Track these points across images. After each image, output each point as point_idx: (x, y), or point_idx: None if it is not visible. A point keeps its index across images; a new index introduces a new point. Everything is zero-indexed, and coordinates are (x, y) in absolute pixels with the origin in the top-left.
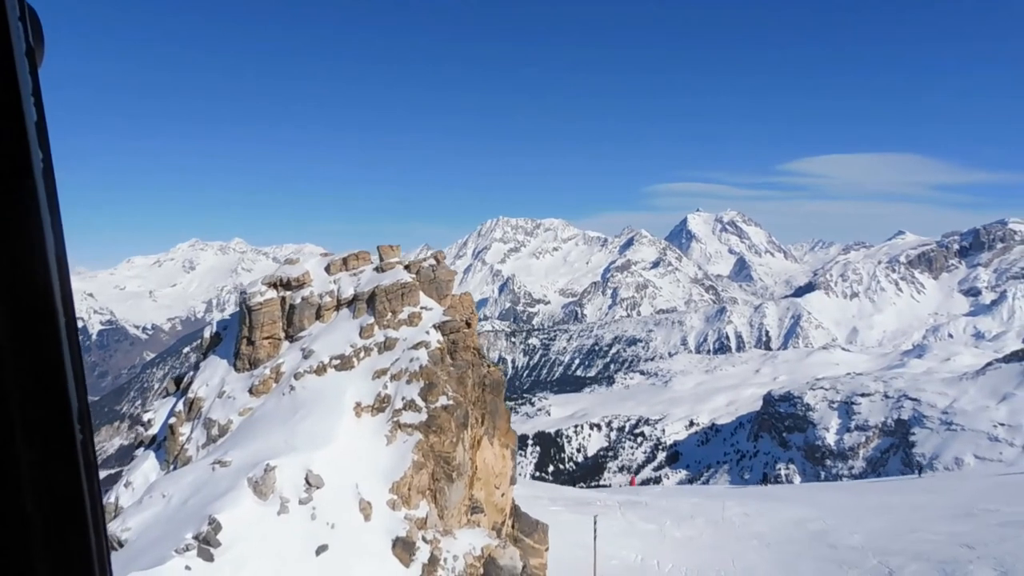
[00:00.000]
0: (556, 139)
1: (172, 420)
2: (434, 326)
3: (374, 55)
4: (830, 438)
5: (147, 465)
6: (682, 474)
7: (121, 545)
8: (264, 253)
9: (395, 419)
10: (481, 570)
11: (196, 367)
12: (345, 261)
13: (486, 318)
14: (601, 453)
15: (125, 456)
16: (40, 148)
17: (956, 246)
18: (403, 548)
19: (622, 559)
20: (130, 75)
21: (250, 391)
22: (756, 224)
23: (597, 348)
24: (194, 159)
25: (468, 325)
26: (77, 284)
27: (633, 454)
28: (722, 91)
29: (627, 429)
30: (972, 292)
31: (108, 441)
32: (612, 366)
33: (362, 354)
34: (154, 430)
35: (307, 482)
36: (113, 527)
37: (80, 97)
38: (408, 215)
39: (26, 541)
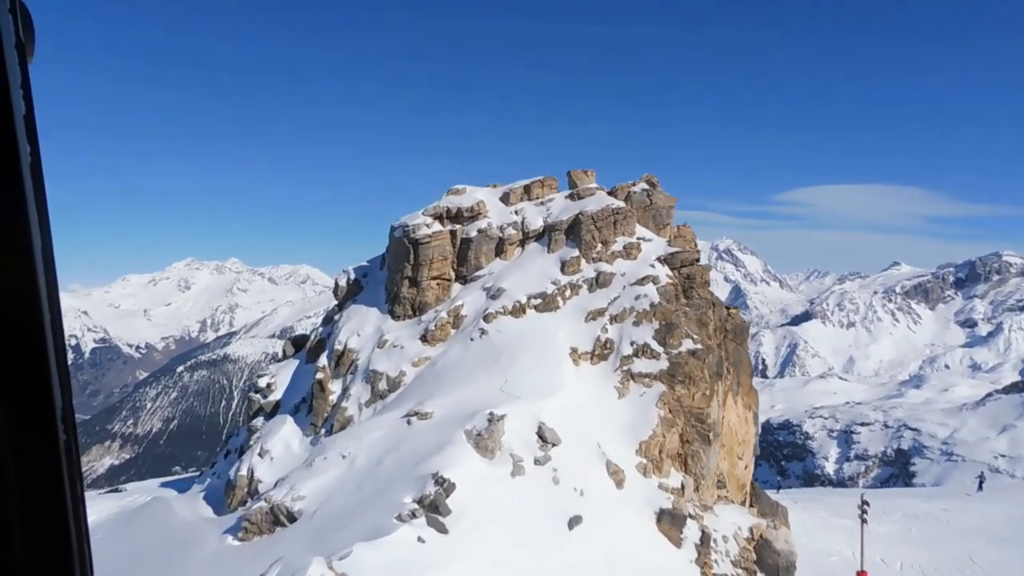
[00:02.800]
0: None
1: (319, 376)
2: (659, 259)
3: (373, 77)
4: (829, 467)
5: (285, 431)
6: None
7: (295, 517)
8: (260, 273)
9: (625, 368)
10: (754, 555)
11: (328, 321)
12: (527, 189)
13: None
14: None
15: (115, 476)
16: (28, 141)
17: (952, 277)
18: (671, 523)
19: (839, 555)
20: (125, 93)
21: (423, 338)
22: (752, 253)
23: None
24: (190, 178)
25: (697, 260)
26: (71, 302)
27: None
28: (717, 120)
29: None
30: (968, 323)
31: (98, 460)
32: None
33: (568, 292)
34: (276, 395)
35: (540, 437)
36: (277, 497)
37: (74, 114)
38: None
39: (5, 541)
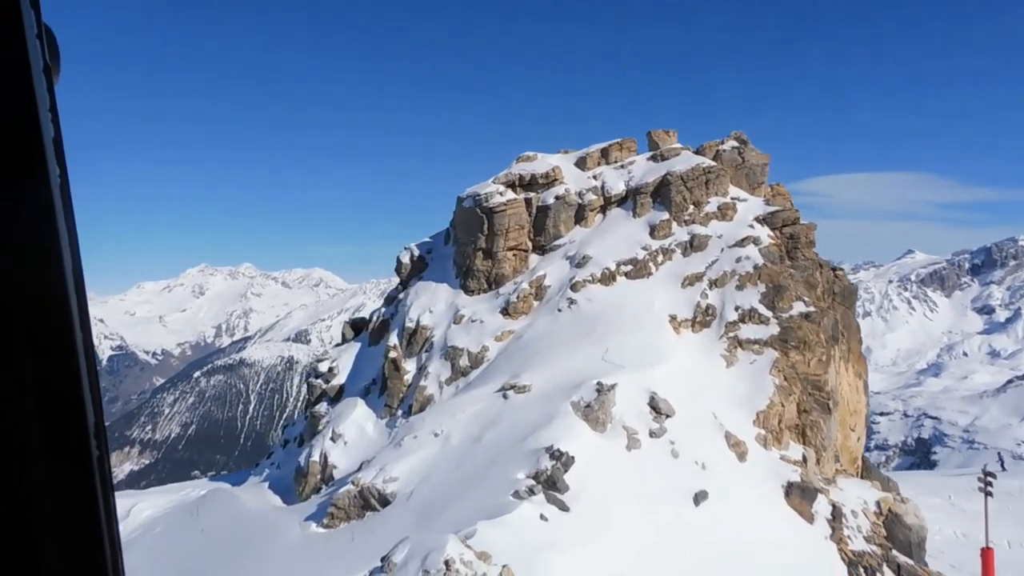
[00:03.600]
0: None
1: (392, 356)
2: (757, 219)
3: (388, 83)
4: None
5: (357, 414)
6: None
7: (388, 499)
8: (273, 278)
9: (731, 334)
10: (883, 531)
11: (390, 300)
12: (604, 152)
13: None
14: None
15: (135, 481)
16: (57, 164)
17: (967, 264)
18: (801, 497)
19: (940, 533)
20: (139, 101)
21: (503, 312)
22: None
23: None
24: (203, 184)
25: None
26: None
27: None
28: (728, 112)
29: None
30: (986, 310)
31: (118, 467)
32: None
33: (660, 257)
34: (340, 379)
35: (653, 408)
36: (366, 479)
37: (88, 124)
38: (418, 237)
39: (41, 557)
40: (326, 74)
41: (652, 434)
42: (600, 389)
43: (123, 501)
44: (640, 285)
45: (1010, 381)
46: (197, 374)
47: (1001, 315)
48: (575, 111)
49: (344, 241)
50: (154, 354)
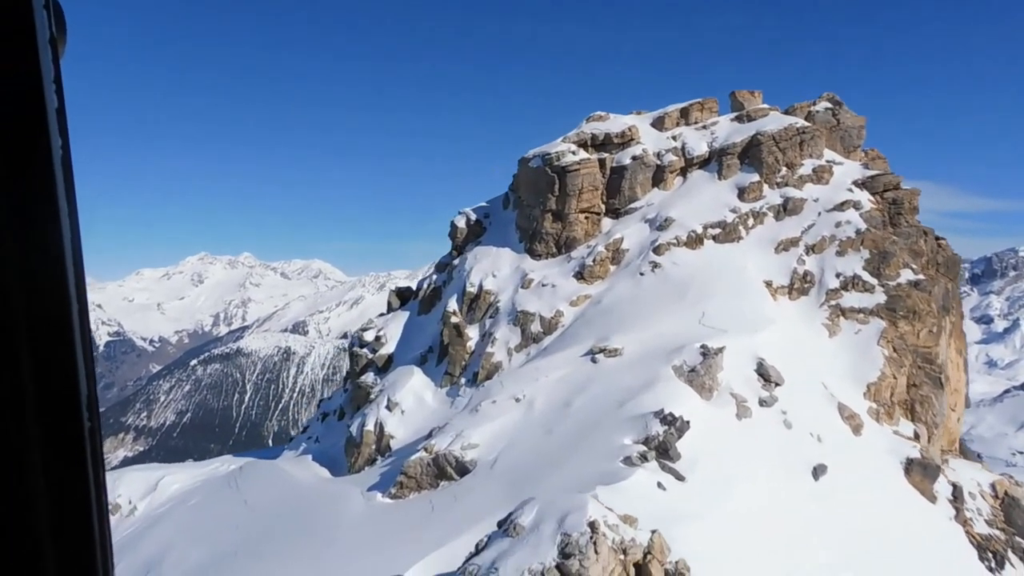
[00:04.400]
0: None
1: (454, 321)
2: (856, 183)
3: (390, 78)
4: None
5: (414, 382)
6: None
7: (467, 467)
8: (272, 268)
9: (832, 302)
10: (1001, 514)
11: (442, 267)
12: (684, 113)
13: None
14: None
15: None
16: (60, 135)
17: (967, 274)
18: (922, 475)
19: None
20: (140, 85)
21: (578, 276)
22: None
23: None
24: (204, 171)
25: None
26: None
27: None
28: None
29: None
30: (984, 319)
31: (112, 453)
32: None
33: (750, 221)
34: (388, 348)
35: (761, 376)
36: (441, 446)
37: (88, 104)
38: (416, 235)
39: (31, 530)
40: (328, 72)
41: (762, 403)
42: (705, 353)
43: (150, 473)
44: (729, 249)
45: (1007, 391)
46: (194, 362)
47: (999, 325)
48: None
49: (344, 235)
50: (151, 341)
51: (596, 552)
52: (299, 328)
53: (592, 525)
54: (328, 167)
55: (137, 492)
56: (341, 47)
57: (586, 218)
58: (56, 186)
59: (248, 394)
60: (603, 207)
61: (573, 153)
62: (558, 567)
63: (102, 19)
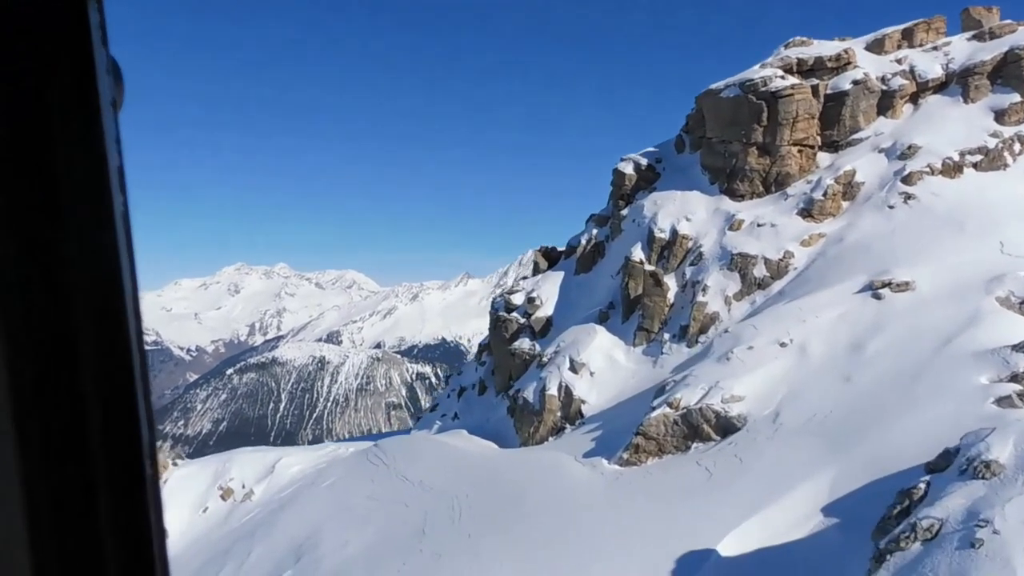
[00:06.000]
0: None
1: (649, 269)
2: None
3: (426, 90)
4: None
5: (600, 341)
6: None
7: (734, 425)
8: (307, 278)
9: None
10: None
11: (603, 221)
12: (907, 33)
13: None
14: None
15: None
16: (121, 192)
17: None
18: None
19: None
20: (177, 97)
21: (803, 214)
22: None
23: None
24: (242, 183)
25: None
26: None
27: None
28: None
29: None
30: None
31: None
32: None
33: (1016, 146)
34: (545, 311)
35: None
36: (689, 400)
37: (132, 118)
38: (450, 245)
39: (97, 541)
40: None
41: None
42: None
43: (262, 455)
44: (994, 179)
45: None
46: (230, 371)
47: None
48: None
49: (376, 246)
50: (188, 350)
51: None
52: (333, 338)
53: None
54: (362, 178)
55: (251, 475)
56: (384, 53)
57: (799, 151)
58: (119, 246)
59: (283, 403)
60: (818, 139)
61: (782, 78)
62: None
63: (138, 30)
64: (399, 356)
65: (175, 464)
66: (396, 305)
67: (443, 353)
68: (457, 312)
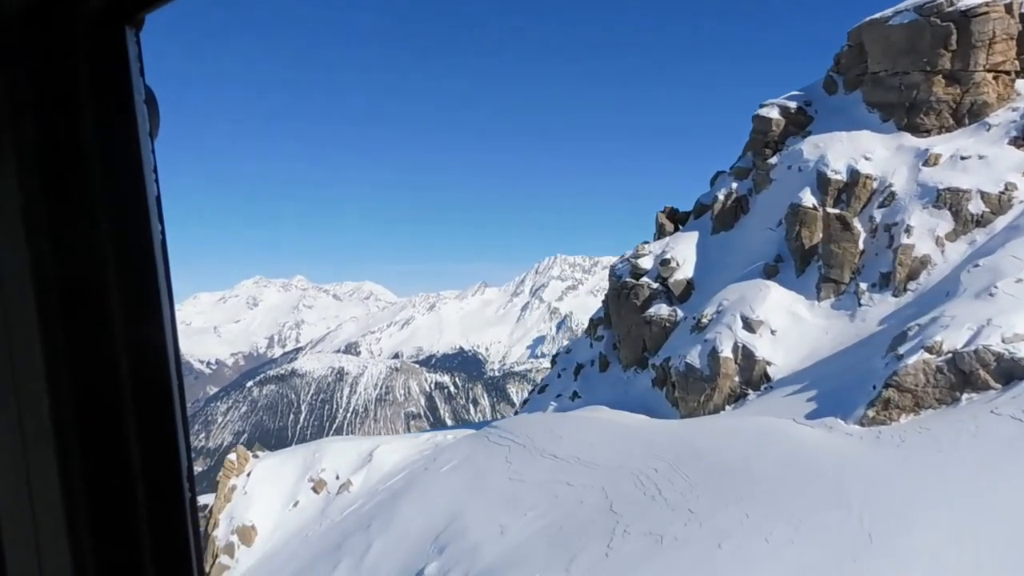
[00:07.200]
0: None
1: (836, 213)
2: None
3: (441, 100)
4: None
5: (776, 296)
6: None
7: (1018, 370)
8: (325, 290)
9: None
10: None
11: (743, 173)
12: None
13: (543, 355)
14: None
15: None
16: (159, 221)
17: None
18: None
19: None
20: (195, 110)
21: (1020, 143)
22: None
23: None
24: (259, 195)
25: None
26: None
27: None
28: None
29: None
30: None
31: None
32: None
33: None
34: (685, 272)
35: None
36: (954, 341)
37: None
38: (467, 255)
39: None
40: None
41: None
42: None
43: (355, 444)
44: None
45: None
46: (250, 384)
47: None
48: None
49: (394, 258)
50: (208, 364)
51: None
52: (351, 349)
53: None
54: (376, 182)
55: (345, 466)
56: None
57: (995, 78)
58: (158, 273)
59: (303, 414)
60: (1016, 63)
61: None
62: None
63: (163, 51)
64: (417, 366)
65: (256, 456)
66: (413, 315)
67: (461, 362)
68: (475, 321)
